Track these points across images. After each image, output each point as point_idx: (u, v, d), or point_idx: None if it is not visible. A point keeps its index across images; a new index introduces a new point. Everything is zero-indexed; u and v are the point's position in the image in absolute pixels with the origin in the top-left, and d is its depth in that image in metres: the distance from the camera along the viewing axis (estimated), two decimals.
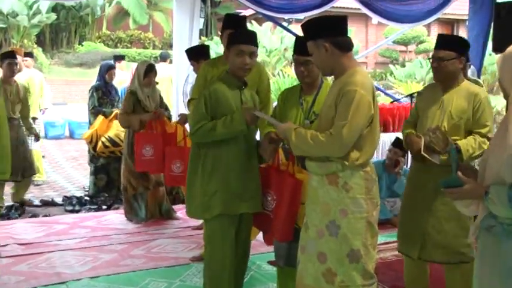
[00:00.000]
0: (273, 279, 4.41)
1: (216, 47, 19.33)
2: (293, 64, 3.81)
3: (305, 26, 3.16)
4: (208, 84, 3.83)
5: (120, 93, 8.04)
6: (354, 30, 22.96)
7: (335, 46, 3.05)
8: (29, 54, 9.42)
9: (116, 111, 7.16)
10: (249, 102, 3.71)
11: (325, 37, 3.05)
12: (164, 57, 11.55)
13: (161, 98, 6.34)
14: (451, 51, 3.72)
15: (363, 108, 2.97)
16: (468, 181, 2.48)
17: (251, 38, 3.61)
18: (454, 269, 3.80)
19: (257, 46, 3.68)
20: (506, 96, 2.45)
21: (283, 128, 3.21)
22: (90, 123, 7.55)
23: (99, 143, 7.12)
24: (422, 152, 3.60)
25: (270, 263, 4.72)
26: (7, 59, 6.75)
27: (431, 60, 3.80)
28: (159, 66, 8.12)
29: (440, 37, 3.91)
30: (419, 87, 11.37)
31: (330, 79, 3.49)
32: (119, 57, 11.53)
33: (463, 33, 21.98)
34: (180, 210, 6.54)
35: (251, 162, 3.69)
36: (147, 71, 6.07)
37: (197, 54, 5.83)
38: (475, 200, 2.51)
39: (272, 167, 3.70)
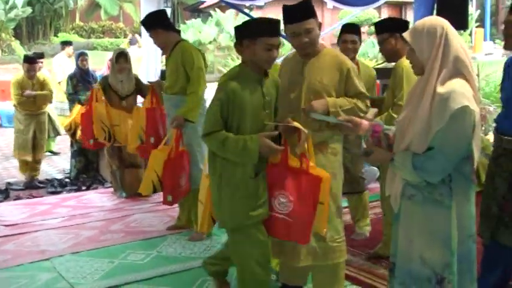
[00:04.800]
0: None
1: (183, 35, 19.16)
2: None
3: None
4: (222, 83, 3.09)
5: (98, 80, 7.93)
6: None
7: None
8: None
9: None
10: (272, 93, 3.18)
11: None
12: (133, 42, 11.52)
13: (138, 81, 6.26)
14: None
15: None
16: (375, 149, 2.62)
17: (278, 29, 3.06)
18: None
19: None
20: (419, 72, 2.48)
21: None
22: (70, 111, 7.46)
23: (78, 131, 7.00)
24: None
25: None
26: None
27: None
28: (130, 50, 8.08)
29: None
30: (372, 64, 11.49)
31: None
32: (66, 43, 10.41)
33: (410, 15, 22.14)
34: None
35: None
36: (118, 58, 6.02)
37: (153, 22, 4.93)
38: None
39: (282, 165, 3.12)
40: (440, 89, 2.35)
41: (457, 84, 2.36)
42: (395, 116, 3.59)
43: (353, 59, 4.26)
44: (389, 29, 3.93)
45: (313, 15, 3.20)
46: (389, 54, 3.98)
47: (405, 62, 3.82)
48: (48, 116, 7.75)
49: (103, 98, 6.00)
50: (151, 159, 4.69)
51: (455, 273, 2.45)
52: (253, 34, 3.00)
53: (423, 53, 2.42)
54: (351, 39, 4.54)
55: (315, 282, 3.43)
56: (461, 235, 2.47)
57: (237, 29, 3.11)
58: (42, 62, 8.62)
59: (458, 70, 2.40)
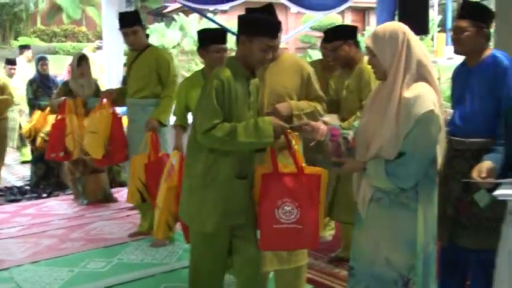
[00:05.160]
0: None
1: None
2: None
3: None
4: (215, 72, 2.91)
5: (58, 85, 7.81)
6: None
7: None
8: None
9: None
10: (254, 95, 3.03)
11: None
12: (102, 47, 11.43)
13: (97, 86, 6.19)
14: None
15: None
16: (346, 161, 2.60)
17: (279, 31, 2.94)
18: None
19: None
20: (382, 77, 2.50)
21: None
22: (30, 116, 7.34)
23: (39, 138, 6.85)
24: None
25: None
26: None
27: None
28: (96, 55, 8.01)
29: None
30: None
31: None
32: (25, 47, 10.10)
33: (373, 19, 22.41)
34: (118, 193, 6.47)
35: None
36: (80, 62, 5.95)
37: (136, 20, 4.87)
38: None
39: (276, 173, 2.93)
40: (407, 94, 2.38)
41: (422, 89, 2.39)
42: None
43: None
44: (342, 36, 3.99)
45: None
46: (344, 61, 4.03)
47: (368, 65, 3.89)
48: (19, 124, 7.61)
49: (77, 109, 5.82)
50: (132, 167, 4.61)
51: (421, 275, 2.48)
52: (253, 32, 2.83)
53: (386, 59, 2.45)
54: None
55: (277, 285, 3.43)
56: (426, 237, 2.51)
57: (238, 22, 2.92)
58: (14, 69, 8.49)
59: (422, 75, 2.43)
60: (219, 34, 4.06)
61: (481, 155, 2.57)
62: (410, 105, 2.36)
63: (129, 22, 4.80)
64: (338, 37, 4.01)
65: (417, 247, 2.47)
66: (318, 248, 3.31)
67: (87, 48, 12.10)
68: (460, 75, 3.26)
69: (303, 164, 2.96)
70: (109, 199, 6.31)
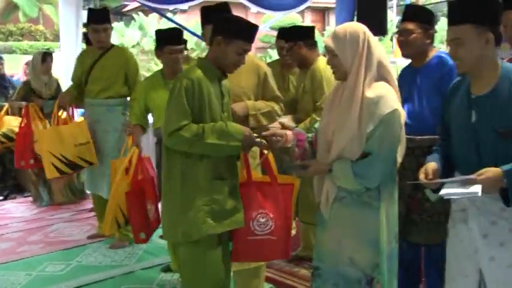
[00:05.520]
0: (164, 252, 4.43)
1: None
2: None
3: None
4: (186, 71, 2.80)
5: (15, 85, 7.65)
6: None
7: None
8: None
9: (6, 105, 6.80)
10: (227, 96, 2.90)
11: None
12: None
13: (58, 85, 6.10)
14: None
15: None
16: (310, 163, 2.59)
17: (255, 35, 2.82)
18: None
19: None
20: (342, 77, 2.51)
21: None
22: None
23: None
24: None
25: (161, 237, 4.70)
26: None
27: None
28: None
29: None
30: None
31: None
32: None
33: (333, 19, 22.62)
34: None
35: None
36: (45, 57, 5.87)
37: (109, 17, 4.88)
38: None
39: (250, 182, 2.83)
40: (369, 94, 2.40)
41: (383, 89, 2.42)
42: (319, 119, 3.68)
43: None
44: (299, 37, 4.05)
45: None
46: (300, 61, 4.09)
47: (321, 65, 3.93)
48: None
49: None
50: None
51: (385, 273, 2.50)
52: (232, 34, 2.71)
53: (347, 60, 2.46)
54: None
55: (236, 285, 3.45)
56: (389, 235, 2.54)
57: (216, 22, 2.79)
58: None
59: (382, 75, 2.47)
60: (175, 35, 4.02)
61: (431, 153, 2.63)
62: (373, 104, 2.38)
63: (101, 19, 4.74)
64: (295, 37, 4.06)
65: (380, 245, 2.48)
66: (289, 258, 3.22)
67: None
68: (406, 76, 3.32)
69: (275, 174, 2.86)
70: (82, 194, 6.23)
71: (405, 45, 3.24)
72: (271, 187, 2.81)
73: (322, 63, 3.91)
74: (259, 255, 2.89)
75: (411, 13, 3.25)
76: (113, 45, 4.86)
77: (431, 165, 2.40)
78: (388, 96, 2.41)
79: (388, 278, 2.54)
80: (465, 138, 2.35)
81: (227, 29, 2.72)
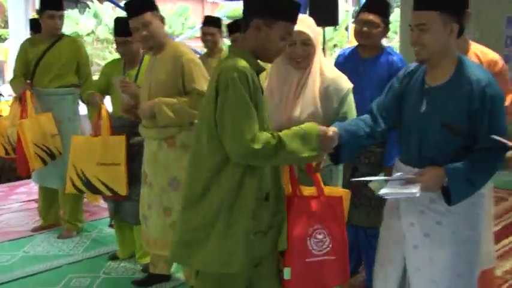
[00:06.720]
0: (112, 240, 4.47)
1: None
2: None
3: None
4: (228, 64, 2.15)
5: None
6: (191, 8, 23.10)
7: None
8: None
9: None
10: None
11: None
12: None
13: None
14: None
15: None
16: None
17: (298, 15, 2.29)
18: None
19: None
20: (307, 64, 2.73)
21: None
22: None
23: None
24: None
25: (110, 226, 4.75)
26: None
27: None
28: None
29: None
30: None
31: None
32: None
33: None
34: (28, 185, 6.34)
35: None
36: None
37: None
38: None
39: (300, 196, 2.43)
40: (328, 74, 2.72)
41: (336, 70, 2.79)
42: None
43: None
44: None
45: (150, 8, 3.18)
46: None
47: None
48: None
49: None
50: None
51: None
52: (275, 15, 2.18)
53: (316, 46, 2.70)
54: (210, 32, 5.00)
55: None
56: None
57: (250, 2, 2.25)
58: None
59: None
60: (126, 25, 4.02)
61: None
62: (335, 83, 2.70)
63: (58, 5, 4.63)
64: (238, 30, 4.16)
65: None
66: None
67: None
68: (351, 64, 3.37)
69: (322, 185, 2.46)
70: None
71: (368, 36, 3.30)
72: (323, 200, 2.41)
73: None
74: (318, 281, 2.39)
75: (374, 5, 3.32)
76: (63, 34, 4.78)
77: (333, 128, 2.32)
78: (343, 76, 2.80)
79: None
80: (412, 126, 2.38)
81: (270, 9, 2.18)
